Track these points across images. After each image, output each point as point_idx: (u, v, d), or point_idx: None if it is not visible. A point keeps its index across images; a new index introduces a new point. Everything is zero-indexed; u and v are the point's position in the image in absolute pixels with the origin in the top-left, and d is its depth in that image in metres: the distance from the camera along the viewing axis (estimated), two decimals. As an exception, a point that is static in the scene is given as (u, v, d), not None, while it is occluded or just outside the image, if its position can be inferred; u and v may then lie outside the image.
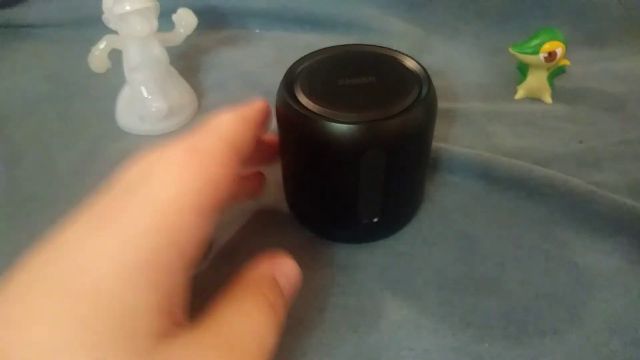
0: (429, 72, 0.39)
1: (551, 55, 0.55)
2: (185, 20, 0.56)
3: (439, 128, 0.44)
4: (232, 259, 0.42)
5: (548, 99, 0.58)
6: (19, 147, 0.55)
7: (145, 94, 0.55)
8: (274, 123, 0.41)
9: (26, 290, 0.23)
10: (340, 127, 0.34)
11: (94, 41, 0.53)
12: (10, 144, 0.56)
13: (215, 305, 0.28)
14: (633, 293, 0.38)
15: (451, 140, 0.52)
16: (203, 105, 0.60)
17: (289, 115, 0.37)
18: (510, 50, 0.56)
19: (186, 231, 0.26)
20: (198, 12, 0.57)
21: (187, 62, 0.67)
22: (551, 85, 0.58)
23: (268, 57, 0.68)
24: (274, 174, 0.49)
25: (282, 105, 0.37)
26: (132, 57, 0.53)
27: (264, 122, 0.36)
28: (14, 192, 0.50)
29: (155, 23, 0.53)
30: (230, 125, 0.32)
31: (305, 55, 0.41)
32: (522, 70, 0.59)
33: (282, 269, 0.32)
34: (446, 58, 0.67)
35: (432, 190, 0.47)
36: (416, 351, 0.36)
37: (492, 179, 0.47)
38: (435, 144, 0.48)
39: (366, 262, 0.42)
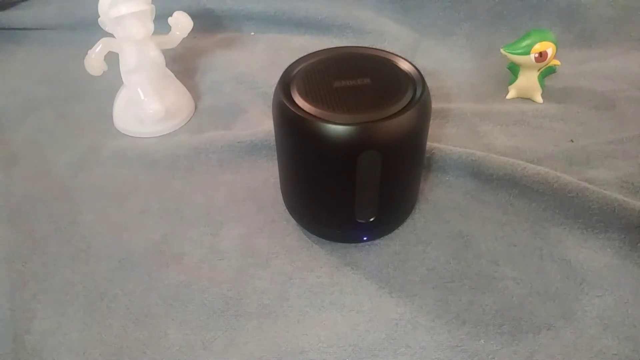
0: (422, 74, 0.40)
1: (542, 56, 0.55)
2: (181, 23, 0.56)
3: (432, 128, 0.44)
4: (230, 259, 0.43)
5: (539, 98, 0.59)
6: (17, 148, 0.56)
7: (142, 96, 0.55)
8: (268, 124, 0.41)
9: None
10: (337, 129, 0.35)
11: (90, 44, 0.53)
12: (8, 145, 0.56)
13: None
14: (625, 289, 0.39)
15: (444, 140, 0.53)
16: (199, 107, 0.61)
17: (285, 117, 0.37)
18: (502, 50, 0.57)
19: None
20: (194, 15, 0.58)
21: (183, 64, 0.68)
22: (542, 85, 0.59)
23: (263, 59, 0.69)
24: (271, 174, 0.50)
25: (279, 107, 0.38)
26: (129, 59, 0.54)
27: None
28: (12, 192, 0.50)
29: (151, 26, 0.53)
30: None
31: (300, 58, 0.42)
32: (513, 70, 0.59)
33: None
34: (439, 59, 0.68)
35: (426, 189, 0.48)
36: (413, 349, 0.36)
37: (484, 177, 0.48)
38: (429, 143, 0.49)
39: (363, 261, 0.42)
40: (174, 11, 0.57)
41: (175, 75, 0.59)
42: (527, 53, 0.55)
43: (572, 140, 0.53)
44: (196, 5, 0.74)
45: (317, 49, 0.43)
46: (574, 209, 0.44)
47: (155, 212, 0.47)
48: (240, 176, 0.51)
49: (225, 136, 0.54)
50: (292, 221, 0.45)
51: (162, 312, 0.39)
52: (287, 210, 0.45)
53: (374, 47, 0.44)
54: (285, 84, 0.39)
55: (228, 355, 0.36)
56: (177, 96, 0.59)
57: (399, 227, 0.44)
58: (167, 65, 0.57)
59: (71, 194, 0.50)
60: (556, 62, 0.58)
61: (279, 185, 0.45)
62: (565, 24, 0.69)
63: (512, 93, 0.60)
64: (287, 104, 0.37)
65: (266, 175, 0.50)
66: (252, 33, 0.75)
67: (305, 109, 0.36)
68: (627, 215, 0.42)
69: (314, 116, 0.36)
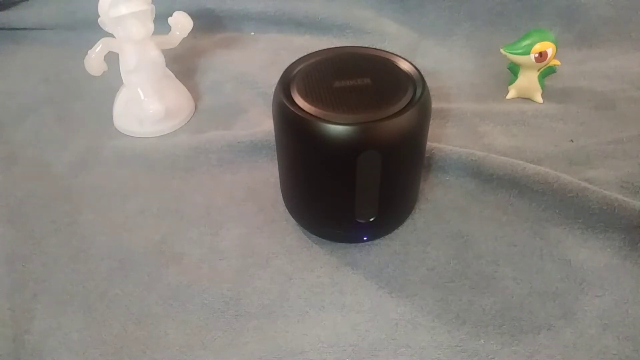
0: (422, 74, 0.40)
1: (542, 56, 0.55)
2: (181, 23, 0.56)
3: (432, 128, 0.44)
4: (230, 259, 0.43)
5: (539, 98, 0.59)
6: (17, 148, 0.56)
7: (142, 96, 0.55)
8: (268, 124, 0.41)
9: None
10: (337, 129, 0.35)
11: (90, 44, 0.53)
12: (8, 145, 0.56)
13: None
14: (625, 288, 0.39)
15: (444, 140, 0.53)
16: (199, 107, 0.61)
17: (285, 117, 0.37)
18: (502, 50, 0.57)
19: None
20: (194, 15, 0.58)
21: (183, 64, 0.68)
22: (542, 85, 0.59)
23: (263, 59, 0.68)
24: (272, 174, 0.50)
25: (279, 107, 0.38)
26: (129, 59, 0.54)
27: None
28: (12, 192, 0.50)
29: (151, 26, 0.53)
30: None
31: (300, 58, 0.42)
32: (513, 70, 0.59)
33: None
34: (439, 59, 0.68)
35: (426, 189, 0.48)
36: (413, 349, 0.36)
37: (484, 177, 0.48)
38: (429, 143, 0.49)
39: (363, 261, 0.42)
40: (174, 11, 0.57)
41: (175, 75, 0.59)
42: (527, 53, 0.55)
43: (572, 140, 0.53)
44: (196, 5, 0.74)
45: (317, 49, 0.43)
46: (574, 209, 0.44)
47: (155, 212, 0.47)
48: (240, 176, 0.51)
49: (225, 136, 0.54)
50: (292, 221, 0.45)
51: (162, 312, 0.39)
52: (287, 210, 0.45)
53: (374, 47, 0.44)
54: (285, 84, 0.39)
55: (228, 355, 0.36)
56: (177, 96, 0.59)
57: (399, 227, 0.44)
58: (167, 65, 0.57)
59: (71, 194, 0.50)
60: (556, 62, 0.58)
61: (279, 185, 0.45)
62: (565, 24, 0.69)
63: (512, 93, 0.60)
64: (287, 104, 0.37)
65: (266, 175, 0.50)
66: (252, 33, 0.75)
67: (305, 109, 0.36)
68: (627, 215, 0.42)
69: (314, 116, 0.36)
